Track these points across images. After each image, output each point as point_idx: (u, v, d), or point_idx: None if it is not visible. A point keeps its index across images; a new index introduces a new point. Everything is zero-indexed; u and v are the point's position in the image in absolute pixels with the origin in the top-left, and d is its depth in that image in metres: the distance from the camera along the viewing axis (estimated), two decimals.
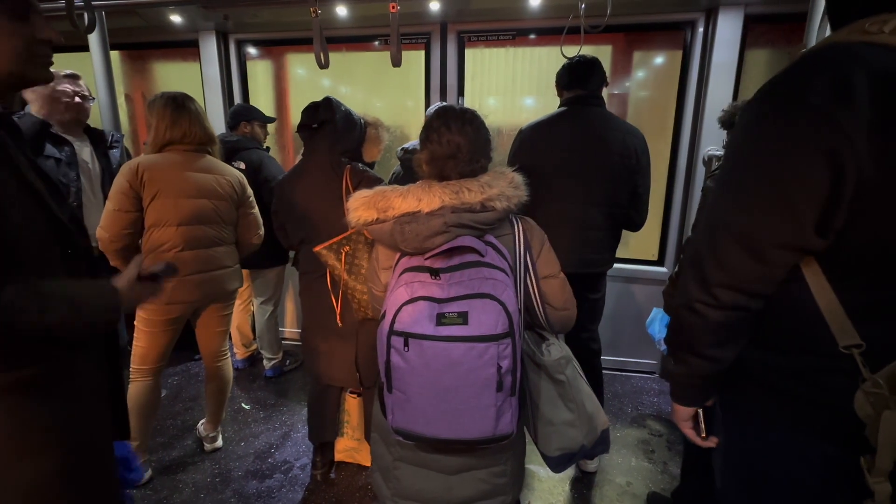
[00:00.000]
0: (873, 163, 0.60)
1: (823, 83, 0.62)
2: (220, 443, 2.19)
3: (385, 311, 0.93)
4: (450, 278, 0.93)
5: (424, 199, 0.97)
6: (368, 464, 2.08)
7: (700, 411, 0.90)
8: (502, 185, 1.01)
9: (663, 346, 2.15)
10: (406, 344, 0.88)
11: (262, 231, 2.05)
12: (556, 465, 1.09)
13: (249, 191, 1.99)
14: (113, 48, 2.44)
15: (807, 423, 0.73)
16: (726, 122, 1.80)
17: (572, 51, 1.92)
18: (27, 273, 0.76)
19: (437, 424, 0.92)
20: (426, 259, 0.96)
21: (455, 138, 1.01)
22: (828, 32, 1.58)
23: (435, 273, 0.93)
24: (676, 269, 1.61)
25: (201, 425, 2.22)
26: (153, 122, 1.76)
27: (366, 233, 1.56)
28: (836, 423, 0.69)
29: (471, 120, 1.05)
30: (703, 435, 0.90)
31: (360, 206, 1.03)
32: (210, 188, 1.82)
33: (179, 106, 1.75)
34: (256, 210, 2.03)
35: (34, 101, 1.96)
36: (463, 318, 0.87)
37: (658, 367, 2.91)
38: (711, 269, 0.74)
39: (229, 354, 2.11)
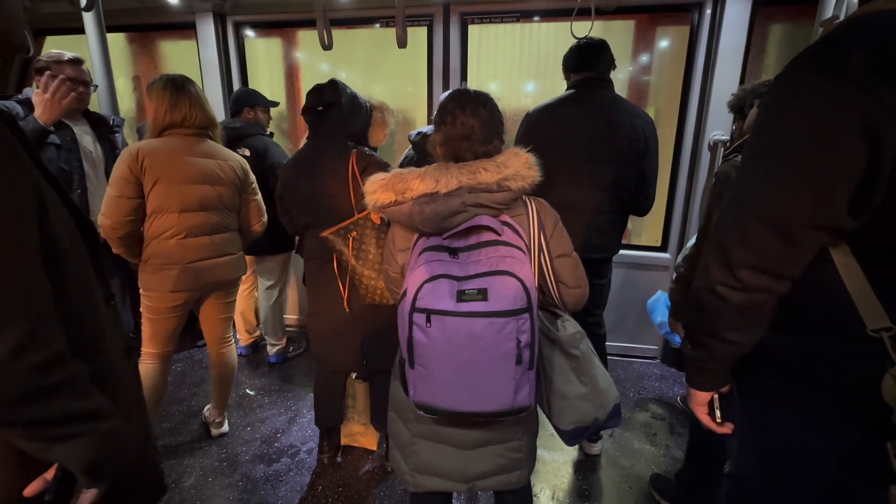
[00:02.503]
0: None
1: (862, 54, 0.59)
2: (226, 428, 2.20)
3: (406, 290, 0.94)
4: (468, 257, 0.94)
5: (442, 180, 0.98)
6: (374, 448, 2.10)
7: (716, 396, 0.88)
8: (517, 166, 1.02)
9: (664, 330, 2.17)
10: (428, 320, 0.90)
11: (265, 218, 2.03)
12: (569, 438, 1.11)
13: (252, 176, 1.96)
14: (109, 30, 2.38)
15: (830, 408, 0.71)
16: (735, 106, 1.79)
17: (581, 30, 1.89)
18: (72, 281, 0.69)
19: (458, 397, 0.94)
20: (444, 238, 0.98)
21: (469, 120, 1.03)
22: (843, 13, 1.56)
23: (453, 252, 0.95)
24: (681, 267, 1.61)
25: (207, 411, 2.23)
26: (153, 105, 1.73)
27: (374, 217, 1.57)
28: (862, 407, 0.67)
29: (485, 102, 1.06)
30: (719, 421, 0.88)
31: (377, 189, 1.04)
32: (212, 174, 1.78)
33: (179, 88, 1.71)
34: (259, 196, 2.00)
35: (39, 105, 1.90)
36: (483, 294, 0.88)
37: (659, 353, 2.94)
38: (736, 251, 0.71)
39: (234, 341, 2.11)
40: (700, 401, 0.88)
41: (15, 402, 0.56)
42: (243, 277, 2.73)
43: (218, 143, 1.85)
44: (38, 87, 1.89)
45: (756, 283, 0.71)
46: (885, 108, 0.57)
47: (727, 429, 0.88)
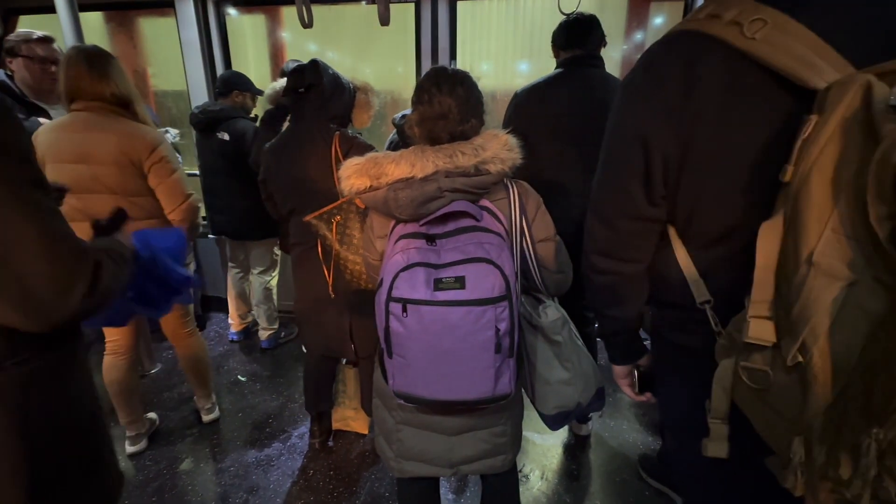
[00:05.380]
0: (675, 142, 0.69)
1: (647, 74, 0.72)
2: (216, 413, 2.21)
3: (382, 279, 0.92)
4: (445, 244, 0.92)
5: (418, 164, 0.95)
6: (365, 432, 2.12)
7: (635, 370, 0.97)
8: (496, 148, 0.99)
9: None
10: (404, 310, 0.88)
11: (186, 204, 1.71)
12: (553, 422, 1.11)
13: (162, 154, 1.64)
14: (84, 9, 2.29)
15: (691, 367, 0.82)
16: None
17: (571, 5, 1.83)
18: None
19: (436, 387, 0.93)
20: (421, 225, 0.95)
21: (446, 99, 0.99)
22: None
23: (430, 239, 0.93)
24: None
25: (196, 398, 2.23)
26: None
27: (358, 202, 1.54)
28: (710, 368, 0.75)
29: (462, 81, 1.02)
30: (636, 391, 0.98)
31: (352, 174, 1.00)
32: (86, 151, 1.54)
33: (74, 57, 1.56)
34: (174, 178, 1.68)
35: (18, 70, 1.84)
36: (460, 282, 0.86)
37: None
38: (587, 240, 0.86)
39: (196, 332, 2.04)
40: (619, 374, 0.98)
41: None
42: (237, 262, 2.74)
43: (131, 121, 1.63)
44: (8, 72, 1.84)
45: (604, 266, 0.84)
46: (653, 116, 0.70)
47: (645, 398, 0.98)
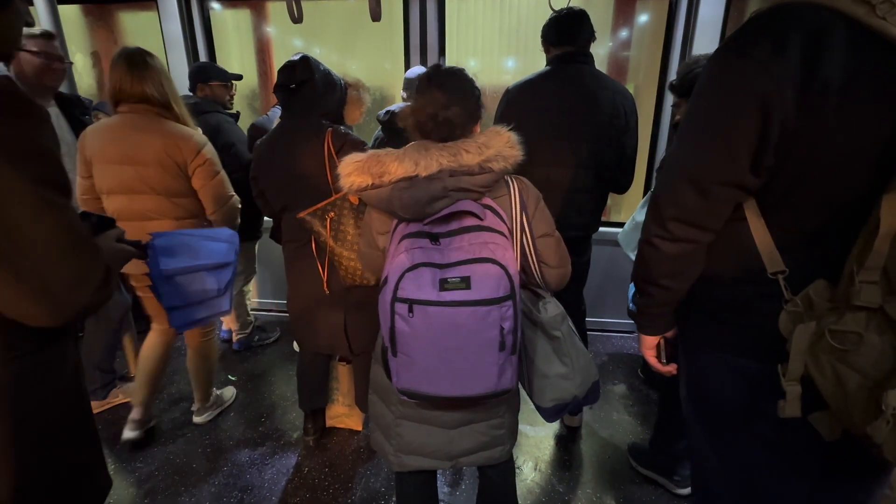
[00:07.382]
0: (797, 111, 0.68)
1: (764, 40, 0.69)
2: (211, 415, 2.18)
3: (387, 278, 0.92)
4: (449, 243, 0.93)
5: (422, 162, 0.95)
6: (360, 428, 2.12)
7: (662, 341, 0.99)
8: (499, 146, 0.99)
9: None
10: (410, 310, 0.89)
11: (228, 206, 1.81)
12: (549, 415, 1.13)
13: (207, 157, 1.72)
14: (63, 2, 2.22)
15: (737, 344, 0.84)
16: (676, 88, 1.78)
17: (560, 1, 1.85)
18: None
19: (441, 383, 0.94)
20: (425, 224, 0.95)
21: (441, 95, 1.00)
22: None
23: (434, 238, 0.93)
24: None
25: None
26: None
27: (352, 198, 1.53)
28: (762, 341, 0.79)
29: (458, 77, 1.03)
30: (664, 361, 1.00)
31: (353, 171, 0.99)
32: (133, 153, 1.60)
33: (122, 57, 1.59)
34: (217, 180, 1.76)
35: (16, 64, 1.79)
36: (466, 282, 0.87)
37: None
38: (666, 206, 0.83)
39: (214, 335, 2.07)
40: (648, 344, 1.00)
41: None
42: None
43: (173, 122, 1.68)
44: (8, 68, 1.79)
45: (683, 234, 0.82)
46: (776, 85, 0.68)
47: (671, 368, 1.00)
